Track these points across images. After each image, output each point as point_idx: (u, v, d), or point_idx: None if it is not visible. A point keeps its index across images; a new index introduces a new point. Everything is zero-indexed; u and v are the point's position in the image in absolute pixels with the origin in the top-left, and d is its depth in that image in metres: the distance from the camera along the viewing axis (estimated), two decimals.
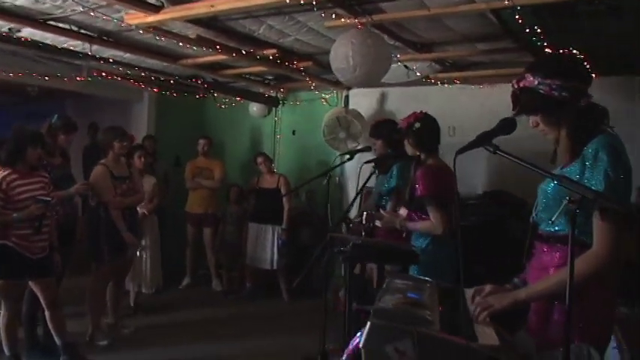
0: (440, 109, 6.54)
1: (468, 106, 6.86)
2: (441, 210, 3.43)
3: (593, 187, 1.81)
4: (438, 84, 6.63)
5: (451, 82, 6.63)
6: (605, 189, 1.84)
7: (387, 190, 4.42)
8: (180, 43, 5.18)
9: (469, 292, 2.44)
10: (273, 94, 7.93)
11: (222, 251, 7.28)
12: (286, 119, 8.04)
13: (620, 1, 3.76)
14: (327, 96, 7.52)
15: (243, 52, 5.51)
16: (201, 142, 7.37)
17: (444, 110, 6.60)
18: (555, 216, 1.83)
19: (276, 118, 8.07)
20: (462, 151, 1.92)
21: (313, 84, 6.83)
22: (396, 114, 7.27)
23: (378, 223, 3.72)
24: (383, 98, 7.41)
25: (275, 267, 6.87)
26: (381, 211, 3.72)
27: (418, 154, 3.65)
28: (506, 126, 1.98)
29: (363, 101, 7.37)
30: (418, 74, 6.02)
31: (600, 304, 1.94)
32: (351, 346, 2.79)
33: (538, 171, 1.84)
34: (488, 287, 2.22)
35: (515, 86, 2.12)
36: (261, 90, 7.83)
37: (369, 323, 1.71)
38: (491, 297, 2.03)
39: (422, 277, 2.60)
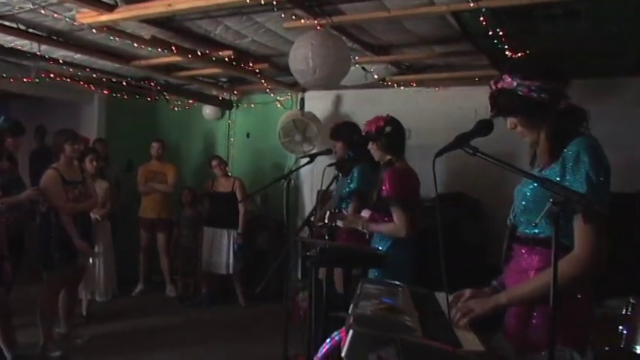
0: (395, 112, 6.51)
1: (423, 108, 6.91)
2: (406, 212, 3.42)
3: (575, 190, 1.80)
4: (394, 86, 6.63)
5: (407, 84, 6.65)
6: (587, 191, 1.83)
7: (347, 192, 4.39)
8: (135, 44, 5.03)
9: (440, 296, 2.43)
10: (226, 96, 7.80)
11: (177, 256, 7.12)
12: (240, 122, 7.94)
13: (577, 5, 3.84)
14: (282, 99, 7.43)
15: (199, 54, 5.39)
16: (155, 145, 7.19)
17: (399, 113, 6.53)
18: (539, 218, 1.81)
19: (229, 121, 7.95)
20: (440, 153, 1.89)
21: (269, 86, 6.74)
22: (352, 116, 7.28)
23: (340, 224, 3.68)
24: (338, 100, 7.39)
25: (231, 271, 6.76)
26: (344, 212, 3.67)
27: (389, 157, 3.63)
28: (484, 128, 1.97)
29: (318, 104, 7.34)
30: (375, 76, 6.02)
31: (580, 307, 1.93)
32: (319, 354, 2.75)
33: (519, 173, 1.83)
34: (467, 292, 2.20)
35: (493, 87, 2.09)
36: (215, 92, 7.71)
37: (351, 331, 1.65)
38: (472, 301, 2.01)
39: (392, 282, 2.56)
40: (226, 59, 5.64)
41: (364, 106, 7.13)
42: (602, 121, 6.05)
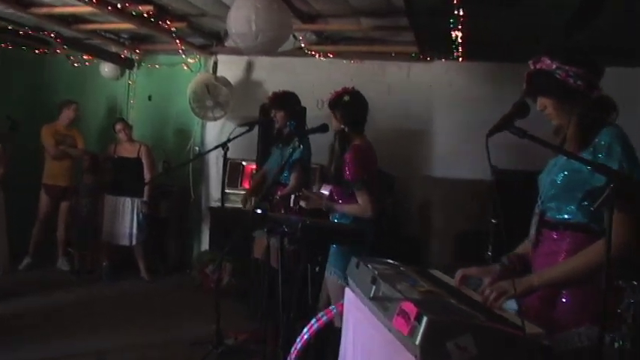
0: (309, 82, 6.53)
1: (337, 80, 6.71)
2: (370, 194, 3.35)
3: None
4: (314, 55, 6.50)
5: (325, 55, 6.55)
6: None
7: (290, 162, 4.23)
8: None
9: (436, 273, 2.41)
10: (128, 54, 7.24)
11: (75, 227, 6.55)
12: (141, 83, 7.40)
13: None
14: (192, 61, 7.03)
15: (119, 7, 4.92)
16: (73, 106, 6.53)
17: (312, 83, 6.56)
18: (596, 204, 1.80)
19: (129, 82, 7.40)
20: (490, 134, 1.85)
21: (182, 47, 6.34)
22: (263, 84, 7.11)
23: (302, 204, 3.53)
24: (250, 67, 7.14)
25: (134, 243, 6.35)
26: (305, 191, 3.52)
27: (343, 127, 3.51)
28: (521, 109, 1.95)
29: (229, 69, 7.02)
30: (303, 45, 5.87)
31: (613, 289, 1.99)
32: (299, 344, 2.65)
33: (573, 157, 1.87)
34: (473, 269, 2.24)
35: (532, 67, 2.10)
36: (114, 49, 7.12)
37: (425, 319, 1.55)
38: (505, 283, 1.99)
39: (385, 260, 2.48)
40: (145, 15, 5.21)
41: (277, 74, 6.96)
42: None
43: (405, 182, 6.43)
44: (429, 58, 6.54)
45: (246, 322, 5.01)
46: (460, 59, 6.24)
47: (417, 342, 1.55)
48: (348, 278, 2.42)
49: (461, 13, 3.90)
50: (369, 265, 2.20)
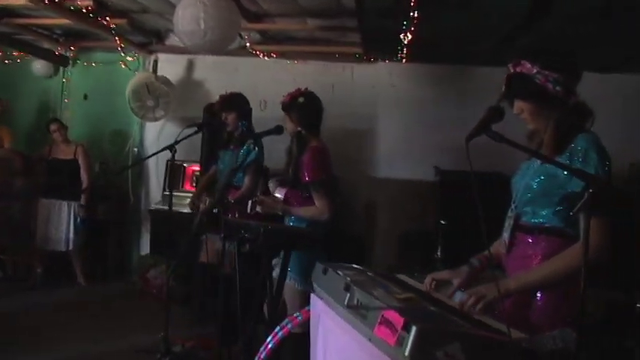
0: (251, 82, 6.43)
1: (280, 80, 6.75)
2: (327, 196, 3.32)
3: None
4: (258, 55, 6.41)
5: (269, 54, 6.46)
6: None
7: (245, 165, 4.14)
8: None
9: (403, 278, 2.39)
10: (62, 51, 6.91)
11: (6, 232, 6.19)
12: (76, 82, 7.08)
13: None
14: (131, 59, 6.79)
15: (56, 1, 4.69)
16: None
17: (255, 83, 6.46)
18: (576, 209, 1.81)
19: (64, 80, 7.07)
20: (469, 139, 1.83)
21: (121, 45, 6.11)
22: (205, 83, 6.96)
23: (258, 209, 3.45)
24: (191, 66, 6.96)
25: (71, 247, 6.08)
26: (260, 196, 3.44)
27: (300, 130, 3.45)
28: (496, 113, 1.94)
29: (169, 68, 6.84)
30: (248, 44, 5.77)
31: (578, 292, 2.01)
32: (263, 354, 2.57)
33: (551, 162, 1.89)
34: (443, 273, 2.25)
35: (512, 70, 2.09)
36: (47, 46, 6.79)
37: (414, 328, 1.52)
38: (482, 287, 1.99)
39: (351, 265, 2.44)
40: (83, 10, 4.99)
41: (219, 74, 6.83)
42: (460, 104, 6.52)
43: (350, 183, 6.43)
44: (372, 59, 6.57)
45: (192, 328, 4.88)
46: (403, 61, 6.30)
47: (407, 352, 1.52)
48: (314, 285, 2.35)
49: (415, 15, 3.91)
50: (339, 272, 2.15)
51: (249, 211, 3.31)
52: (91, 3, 4.87)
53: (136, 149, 6.97)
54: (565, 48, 2.14)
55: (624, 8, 3.95)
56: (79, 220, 6.08)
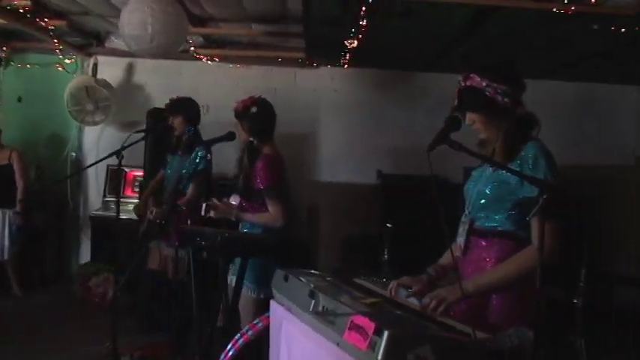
0: (193, 86, 6.38)
1: (222, 84, 6.77)
2: (281, 202, 3.36)
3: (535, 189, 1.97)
4: (203, 59, 6.35)
5: (212, 58, 6.42)
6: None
7: (192, 172, 4.12)
8: None
9: (363, 283, 2.45)
10: None
11: None
12: (10, 84, 6.80)
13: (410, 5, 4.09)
14: (69, 61, 6.60)
15: None
16: None
17: (197, 87, 6.41)
18: (532, 213, 1.92)
19: None
20: (430, 149, 1.90)
21: (59, 47, 5.93)
22: (145, 87, 6.87)
23: (211, 214, 3.44)
24: (130, 69, 6.83)
25: (6, 257, 5.85)
26: (214, 201, 3.43)
27: (251, 140, 3.47)
28: (454, 124, 2.03)
29: (109, 71, 6.68)
30: (192, 48, 5.72)
31: (533, 292, 2.12)
32: (240, 341, 2.58)
33: (508, 170, 1.99)
34: (406, 279, 2.31)
35: (462, 84, 2.19)
36: None
37: (386, 333, 1.58)
38: (443, 290, 2.08)
39: (310, 271, 2.48)
40: (20, 10, 4.82)
41: (160, 78, 6.75)
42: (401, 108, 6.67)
43: (293, 186, 6.45)
44: (315, 64, 6.64)
45: (138, 336, 4.78)
46: (345, 66, 6.40)
47: (380, 356, 1.57)
48: (275, 291, 2.38)
49: (364, 23, 3.99)
50: (301, 278, 2.18)
51: (202, 213, 3.29)
52: (28, 3, 4.69)
53: (74, 154, 6.78)
54: (501, 56, 2.28)
55: (556, 23, 4.16)
56: (14, 227, 5.85)
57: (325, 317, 1.90)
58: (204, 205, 3.29)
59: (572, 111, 6.63)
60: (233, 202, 3.47)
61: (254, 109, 3.46)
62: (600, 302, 4.82)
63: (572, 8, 3.66)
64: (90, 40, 6.24)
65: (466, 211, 2.27)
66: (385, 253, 4.82)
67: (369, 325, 1.64)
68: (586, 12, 3.77)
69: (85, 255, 6.54)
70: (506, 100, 2.13)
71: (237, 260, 3.08)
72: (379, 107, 6.77)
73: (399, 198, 6.19)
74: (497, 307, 2.13)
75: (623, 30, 4.13)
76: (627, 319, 4.62)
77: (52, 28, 5.37)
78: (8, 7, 4.73)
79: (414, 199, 6.17)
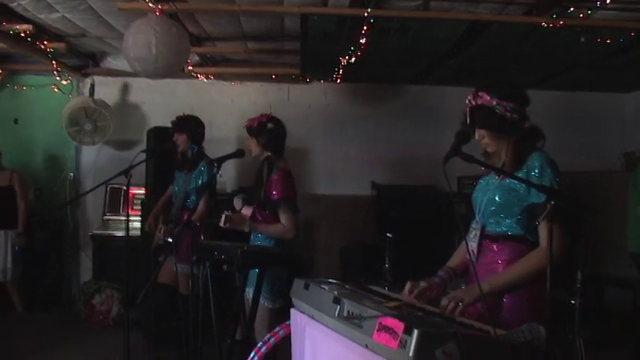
0: (189, 104, 6.46)
1: (218, 101, 6.91)
2: (294, 214, 3.48)
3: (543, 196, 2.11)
4: (199, 77, 6.47)
5: (207, 76, 6.54)
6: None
7: (198, 187, 4.22)
8: None
9: (378, 289, 2.57)
10: None
11: None
12: (6, 105, 6.85)
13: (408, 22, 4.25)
14: (66, 82, 6.67)
15: None
16: None
17: (192, 104, 6.49)
18: (541, 217, 2.07)
19: None
20: (445, 160, 2.02)
21: (58, 68, 6.02)
22: (142, 106, 6.95)
23: (225, 225, 3.54)
24: (126, 89, 6.92)
25: (8, 278, 5.89)
26: (227, 213, 3.53)
27: (268, 154, 3.59)
28: (464, 137, 2.16)
29: (105, 91, 6.76)
30: (190, 67, 5.84)
31: (543, 290, 2.26)
32: (263, 349, 2.69)
33: (519, 180, 2.13)
34: (422, 283, 2.41)
35: (473, 102, 2.32)
36: None
37: (416, 332, 1.70)
38: (460, 291, 2.21)
39: (332, 280, 2.59)
40: (22, 34, 4.92)
41: (155, 96, 6.84)
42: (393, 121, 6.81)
43: None
44: (308, 80, 6.78)
45: (146, 353, 4.84)
46: (338, 81, 6.55)
47: (411, 354, 1.69)
48: (295, 300, 2.49)
49: (364, 41, 4.13)
50: (323, 286, 2.30)
51: (222, 224, 3.37)
52: (30, 27, 4.80)
53: (72, 174, 6.84)
54: (490, 68, 2.42)
55: (538, 39, 4.35)
56: (17, 249, 5.90)
57: (351, 321, 2.02)
58: (223, 216, 3.37)
59: (560, 119, 6.81)
60: (245, 213, 3.56)
61: (270, 125, 3.58)
62: (592, 302, 5.04)
63: (561, 22, 3.84)
64: (86, 61, 6.33)
65: (476, 218, 2.41)
66: (387, 261, 4.92)
67: (399, 325, 1.76)
68: (574, 25, 3.95)
69: (86, 274, 6.58)
70: (514, 116, 2.28)
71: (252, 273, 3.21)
72: (372, 120, 6.93)
73: (394, 207, 6.34)
74: (509, 307, 2.26)
75: (608, 41, 4.32)
76: (617, 317, 4.83)
77: (51, 50, 5.46)
78: (11, 32, 4.81)
79: (408, 208, 6.37)
